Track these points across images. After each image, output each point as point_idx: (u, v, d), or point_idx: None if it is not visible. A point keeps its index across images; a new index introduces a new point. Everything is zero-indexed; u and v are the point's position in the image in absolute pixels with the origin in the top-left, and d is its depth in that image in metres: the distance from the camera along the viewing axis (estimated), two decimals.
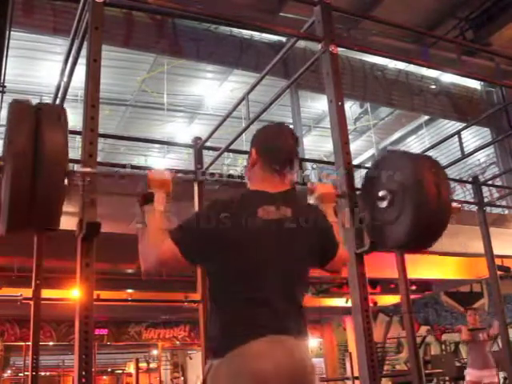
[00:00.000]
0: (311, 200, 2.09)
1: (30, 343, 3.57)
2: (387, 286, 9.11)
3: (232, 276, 1.59)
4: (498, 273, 5.20)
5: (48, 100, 8.33)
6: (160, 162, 11.05)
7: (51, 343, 12.00)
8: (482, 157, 10.06)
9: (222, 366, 1.51)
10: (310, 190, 2.12)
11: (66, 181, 1.84)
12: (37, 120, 1.76)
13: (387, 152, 2.88)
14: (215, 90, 9.84)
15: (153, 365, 15.14)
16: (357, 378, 8.71)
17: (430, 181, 2.29)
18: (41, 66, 8.47)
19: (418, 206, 2.28)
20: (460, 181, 8.87)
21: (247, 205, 1.66)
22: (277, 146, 1.77)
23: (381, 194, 2.44)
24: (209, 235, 1.59)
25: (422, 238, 2.38)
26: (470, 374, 6.39)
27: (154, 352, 14.99)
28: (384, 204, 2.42)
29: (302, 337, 1.61)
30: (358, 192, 2.61)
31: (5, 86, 5.95)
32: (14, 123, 1.76)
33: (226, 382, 1.49)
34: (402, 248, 2.52)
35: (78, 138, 1.91)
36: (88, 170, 2.02)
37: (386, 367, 12.14)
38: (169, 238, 1.60)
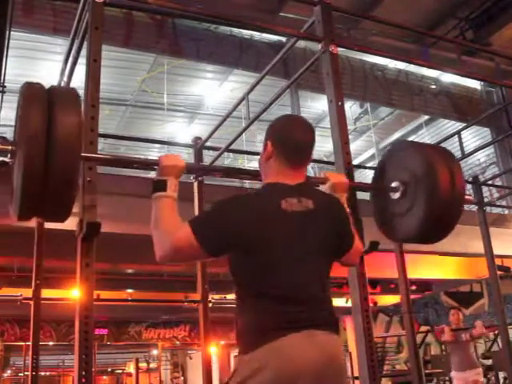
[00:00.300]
0: (324, 190, 2.06)
1: (30, 343, 3.57)
2: (387, 286, 9.10)
3: (259, 270, 1.56)
4: (498, 273, 5.20)
5: None
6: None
7: (51, 343, 12.00)
8: (481, 157, 10.05)
9: (252, 361, 1.49)
10: (323, 179, 2.10)
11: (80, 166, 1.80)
12: (49, 103, 1.71)
13: (399, 143, 2.87)
14: (215, 89, 9.84)
15: (153, 365, 15.15)
16: (357, 377, 8.71)
17: (444, 171, 2.26)
18: (41, 66, 8.46)
19: (431, 196, 2.25)
20: None
21: (269, 198, 1.64)
22: (294, 140, 1.72)
23: (393, 184, 2.41)
24: (230, 228, 1.56)
25: (435, 230, 2.36)
26: (455, 377, 6.16)
27: (154, 352, 14.99)
28: (397, 195, 2.40)
29: (335, 331, 1.59)
30: (369, 183, 2.60)
31: (5, 86, 5.95)
32: (25, 106, 1.71)
33: (255, 377, 1.47)
34: (413, 240, 2.47)
35: None
36: (102, 156, 2.01)
37: (385, 367, 12.14)
38: (186, 226, 1.57)
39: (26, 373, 5.58)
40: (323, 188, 2.07)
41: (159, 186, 1.73)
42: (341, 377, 1.57)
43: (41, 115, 1.66)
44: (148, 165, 1.92)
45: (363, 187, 2.79)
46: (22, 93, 1.77)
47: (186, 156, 10.01)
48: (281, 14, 8.27)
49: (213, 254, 1.61)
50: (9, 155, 1.76)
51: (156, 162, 1.81)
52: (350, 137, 2.35)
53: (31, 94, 1.74)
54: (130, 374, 16.16)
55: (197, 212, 3.77)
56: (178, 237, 1.58)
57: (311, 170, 11.76)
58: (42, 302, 3.65)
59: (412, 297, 4.42)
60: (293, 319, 1.51)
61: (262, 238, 1.57)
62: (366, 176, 11.39)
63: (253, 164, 10.96)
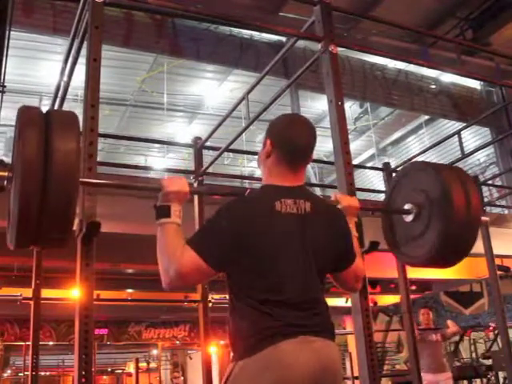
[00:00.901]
0: None
1: (29, 343, 3.57)
2: (387, 286, 9.10)
3: (254, 275, 1.54)
4: (498, 273, 5.19)
5: (48, 100, 8.33)
6: (160, 162, 11.05)
7: (51, 343, 12.00)
8: (481, 157, 10.06)
9: (248, 367, 1.47)
10: (334, 202, 2.04)
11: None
12: (46, 127, 1.66)
13: (413, 163, 2.81)
14: (215, 89, 9.84)
15: (153, 365, 15.13)
16: (357, 377, 8.71)
17: (460, 194, 2.17)
18: (41, 66, 8.47)
19: (446, 220, 2.17)
20: None
21: (263, 201, 1.61)
22: (294, 142, 1.68)
23: (406, 207, 2.34)
24: (231, 240, 1.53)
25: (449, 255, 2.28)
26: (425, 379, 5.71)
27: (154, 352, 14.98)
28: (410, 218, 2.33)
29: (331, 337, 1.58)
30: (381, 205, 2.52)
31: (5, 86, 5.95)
32: (22, 131, 1.66)
33: (252, 383, 1.46)
34: (426, 265, 2.40)
35: None
36: (101, 181, 1.98)
37: (385, 367, 12.14)
38: (188, 249, 1.53)
39: (26, 373, 5.58)
40: None
41: (163, 211, 1.68)
42: (336, 380, 1.55)
43: (37, 141, 1.62)
44: (151, 190, 1.83)
45: (375, 209, 2.74)
46: (19, 117, 1.72)
47: (186, 156, 10.02)
48: (281, 13, 8.27)
49: (219, 269, 1.57)
50: (5, 181, 1.73)
51: (159, 187, 1.74)
52: (350, 137, 2.35)
53: (28, 118, 1.70)
54: (129, 374, 16.15)
55: (197, 212, 3.77)
56: (182, 263, 1.53)
57: (311, 170, 11.76)
58: (42, 301, 3.65)
59: (412, 297, 4.42)
60: (289, 325, 1.50)
61: (258, 244, 1.54)
62: (366, 176, 11.40)
63: (253, 164, 10.97)
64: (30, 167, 1.59)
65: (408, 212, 2.34)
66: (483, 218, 2.37)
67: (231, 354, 1.57)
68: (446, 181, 2.22)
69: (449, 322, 6.22)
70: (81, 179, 1.82)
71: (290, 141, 1.69)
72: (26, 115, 1.71)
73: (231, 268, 1.58)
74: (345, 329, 12.49)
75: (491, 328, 8.94)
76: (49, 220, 1.64)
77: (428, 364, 5.73)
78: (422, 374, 5.69)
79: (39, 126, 1.66)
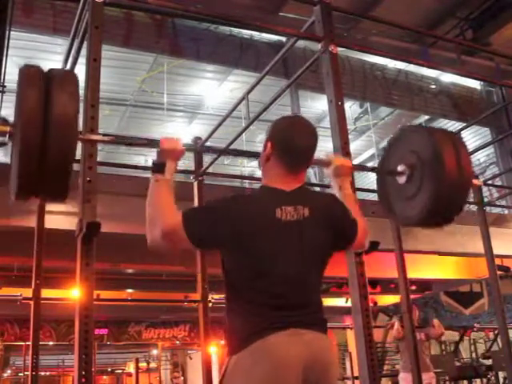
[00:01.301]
0: (327, 173, 2.05)
1: (29, 343, 3.57)
2: (387, 286, 9.10)
3: (250, 274, 1.58)
4: (498, 273, 5.20)
5: None
6: None
7: (51, 343, 12.00)
8: (482, 157, 10.06)
9: (241, 360, 1.51)
10: (327, 162, 2.05)
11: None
12: (46, 84, 1.72)
13: (406, 127, 2.84)
14: (215, 90, 9.83)
15: (153, 365, 15.14)
16: (357, 377, 8.71)
17: (451, 154, 2.22)
18: (41, 66, 8.46)
19: (438, 179, 2.22)
20: None
21: (264, 204, 1.63)
22: (294, 145, 1.68)
23: (400, 168, 2.38)
24: (223, 227, 1.56)
25: (442, 213, 2.32)
26: (404, 378, 5.47)
27: (154, 352, 14.99)
28: (403, 179, 2.37)
29: (323, 330, 1.61)
30: (374, 166, 2.56)
31: (5, 86, 5.95)
32: (23, 88, 1.71)
33: (245, 375, 1.49)
34: (421, 224, 2.45)
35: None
36: (99, 137, 2.01)
37: (385, 367, 12.14)
38: (179, 216, 1.57)
39: (26, 373, 5.58)
40: (327, 171, 2.05)
41: (158, 168, 1.74)
42: (329, 372, 1.58)
43: (38, 96, 1.67)
44: (147, 146, 1.95)
45: (368, 170, 2.77)
46: (20, 75, 1.77)
47: (186, 156, 10.06)
48: (281, 13, 8.27)
49: (198, 248, 1.66)
50: (7, 136, 1.76)
51: (155, 143, 1.82)
52: (350, 137, 2.35)
53: (29, 75, 1.75)
54: (129, 374, 16.16)
55: None
56: (168, 223, 1.58)
57: (311, 170, 11.76)
58: (42, 301, 3.65)
59: (412, 297, 4.42)
60: (279, 319, 1.53)
61: (253, 242, 1.57)
62: (366, 176, 11.40)
63: (253, 164, 10.97)
64: (30, 118, 1.65)
65: (401, 173, 2.38)
66: (475, 182, 2.38)
67: (226, 350, 1.60)
68: (438, 142, 2.27)
69: (435, 322, 5.92)
70: (80, 136, 1.86)
71: (291, 143, 1.68)
72: (26, 72, 1.77)
73: (222, 254, 1.63)
74: (345, 329, 12.50)
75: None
76: (49, 170, 1.68)
77: (408, 363, 5.31)
78: (400, 374, 5.57)
79: (39, 82, 1.72)
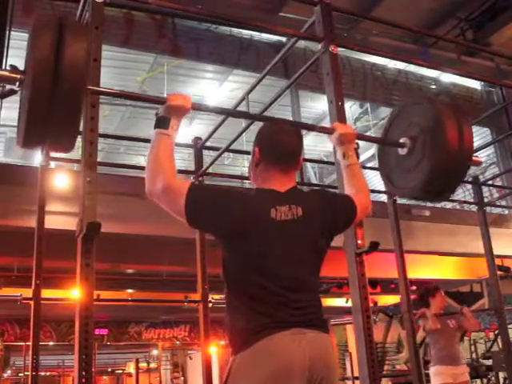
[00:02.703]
0: (331, 141, 2.10)
1: (30, 343, 3.56)
2: (387, 286, 9.10)
3: (250, 272, 1.59)
4: (498, 273, 5.20)
5: None
6: None
7: (51, 343, 12.00)
8: (482, 157, 10.02)
9: (246, 360, 1.52)
10: (331, 129, 2.10)
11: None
12: (59, 31, 1.71)
13: (410, 100, 2.89)
14: (215, 89, 9.84)
15: (153, 365, 15.14)
16: (357, 378, 8.71)
17: (453, 125, 2.24)
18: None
19: (439, 149, 2.24)
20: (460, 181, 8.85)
21: (260, 203, 1.66)
22: (280, 145, 1.75)
23: (401, 140, 2.41)
24: (222, 218, 1.60)
25: (442, 184, 2.34)
26: (443, 372, 4.71)
27: (154, 352, 14.99)
28: (404, 151, 2.39)
29: (325, 330, 1.62)
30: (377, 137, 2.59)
31: (5, 86, 5.95)
32: (35, 34, 1.71)
33: (250, 375, 1.50)
34: (419, 195, 2.48)
35: (78, 138, 1.90)
36: (108, 89, 2.03)
37: (386, 367, 12.14)
38: (185, 187, 1.59)
39: (26, 373, 5.59)
40: (331, 138, 2.10)
41: (162, 122, 1.75)
42: (331, 371, 1.60)
43: (50, 41, 1.67)
44: (154, 101, 1.93)
45: (370, 140, 2.80)
46: (33, 21, 1.76)
47: (186, 156, 10.03)
48: (281, 14, 8.26)
49: (188, 223, 1.64)
50: (17, 83, 1.76)
51: (163, 99, 1.82)
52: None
53: (42, 22, 1.74)
54: (130, 374, 16.17)
55: None
56: (171, 184, 1.60)
57: (311, 170, 11.77)
58: (42, 302, 3.64)
59: (412, 297, 4.42)
60: (281, 318, 1.55)
61: (250, 240, 1.59)
62: (367, 176, 11.40)
63: None
64: (42, 63, 1.64)
65: (402, 145, 2.40)
66: (475, 159, 2.41)
67: (230, 350, 1.61)
68: (439, 113, 2.30)
69: (465, 310, 4.99)
70: (88, 86, 1.86)
71: (278, 145, 1.75)
72: (40, 19, 1.76)
73: (223, 259, 1.65)
74: (345, 329, 12.51)
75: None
76: (57, 117, 1.68)
77: (446, 355, 4.76)
78: (436, 367, 4.74)
79: (52, 29, 1.70)
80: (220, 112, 2.55)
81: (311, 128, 2.75)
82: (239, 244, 1.60)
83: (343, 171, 2.06)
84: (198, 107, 2.08)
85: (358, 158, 2.07)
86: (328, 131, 2.13)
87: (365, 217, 2.01)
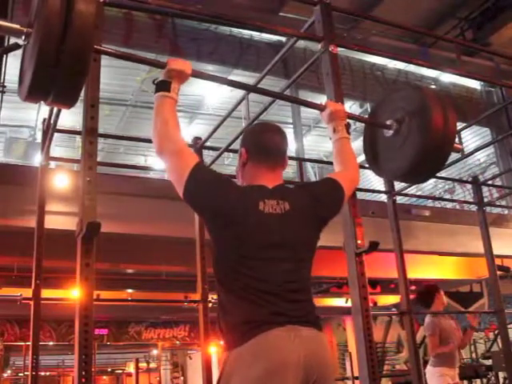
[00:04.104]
0: (323, 118, 2.22)
1: (30, 343, 3.56)
2: (387, 286, 9.10)
3: (240, 267, 1.61)
4: (498, 273, 5.20)
5: None
6: (160, 162, 11.05)
7: (51, 343, 12.00)
8: (482, 157, 10.05)
9: (241, 356, 1.52)
10: (322, 106, 2.22)
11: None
12: None
13: (396, 86, 3.04)
14: (215, 90, 9.84)
15: (153, 365, 15.15)
16: (357, 378, 8.71)
17: (438, 107, 2.34)
18: None
19: (424, 132, 2.33)
20: (460, 181, 8.87)
21: (250, 195, 1.69)
22: (266, 143, 1.81)
23: (388, 122, 2.49)
24: (216, 199, 1.64)
25: (425, 167, 2.44)
26: (446, 374, 4.66)
27: (154, 352, 14.99)
28: (390, 133, 2.48)
29: (317, 327, 1.63)
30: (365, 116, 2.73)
31: (5, 86, 5.96)
32: None
33: (245, 371, 1.50)
34: (403, 176, 2.59)
35: (78, 138, 1.90)
36: (111, 49, 2.05)
37: (386, 367, 12.14)
38: (195, 160, 1.67)
39: (26, 373, 5.59)
40: (322, 115, 2.22)
41: (163, 86, 1.81)
42: (327, 368, 1.60)
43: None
44: (156, 65, 2.00)
45: (359, 119, 2.94)
46: None
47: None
48: (281, 13, 8.27)
49: (183, 198, 1.69)
50: (23, 37, 1.77)
51: (165, 64, 1.87)
52: (350, 137, 2.36)
53: None
54: (129, 374, 16.17)
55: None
56: (184, 154, 1.70)
57: (311, 170, 11.77)
58: (42, 302, 3.64)
59: (412, 297, 4.42)
60: (276, 313, 1.56)
61: (239, 229, 1.62)
62: (366, 176, 11.40)
63: None
64: (52, 17, 1.62)
65: (389, 127, 2.49)
66: (456, 145, 2.49)
67: (223, 346, 1.61)
68: (425, 97, 2.41)
69: (469, 333, 5.07)
70: (94, 46, 1.87)
71: (264, 144, 1.81)
72: None
73: (213, 255, 1.68)
74: (345, 329, 12.50)
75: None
76: (65, 67, 1.67)
77: (451, 357, 4.75)
78: (440, 369, 4.62)
79: None
80: (220, 81, 2.61)
81: (304, 103, 2.79)
82: (228, 232, 1.63)
83: (333, 146, 2.17)
84: (200, 74, 2.10)
85: (348, 133, 2.20)
86: (320, 108, 2.24)
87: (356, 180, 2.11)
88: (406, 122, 2.42)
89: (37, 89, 1.72)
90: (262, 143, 1.81)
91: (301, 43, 5.24)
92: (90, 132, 2.09)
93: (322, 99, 2.41)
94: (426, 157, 2.37)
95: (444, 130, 2.33)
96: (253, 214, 1.64)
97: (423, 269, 8.30)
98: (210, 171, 1.75)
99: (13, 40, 1.86)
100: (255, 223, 1.63)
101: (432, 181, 9.73)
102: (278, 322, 1.54)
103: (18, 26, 1.76)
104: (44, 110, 8.75)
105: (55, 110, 3.27)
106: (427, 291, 5.26)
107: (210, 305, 3.80)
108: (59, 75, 1.67)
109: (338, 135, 2.15)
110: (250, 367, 1.49)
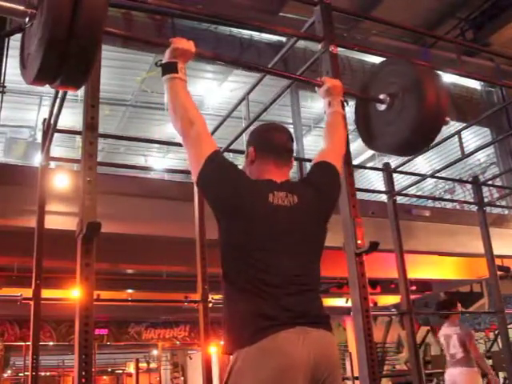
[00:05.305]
0: (320, 93, 2.26)
1: (30, 343, 3.56)
2: (387, 286, 9.10)
3: (248, 263, 1.59)
4: (498, 273, 5.20)
5: (48, 100, 8.32)
6: (160, 162, 11.05)
7: (51, 343, 11.99)
8: (482, 157, 10.05)
9: (251, 356, 1.51)
10: (320, 83, 2.28)
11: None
12: None
13: (387, 59, 3.02)
14: (215, 89, 9.84)
15: (153, 365, 15.14)
16: (357, 378, 8.71)
17: (430, 83, 2.43)
18: None
19: (417, 106, 2.40)
20: (460, 181, 8.87)
21: (259, 187, 1.70)
22: (273, 141, 1.82)
23: (381, 96, 2.54)
24: (227, 189, 1.64)
25: (418, 139, 2.52)
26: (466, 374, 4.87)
27: (154, 352, 14.99)
28: (383, 107, 2.54)
29: (327, 328, 1.63)
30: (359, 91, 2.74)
31: (5, 86, 5.96)
32: None
33: (255, 372, 1.49)
34: (396, 149, 2.66)
35: (78, 138, 1.89)
36: (118, 31, 2.06)
37: (385, 367, 12.14)
38: (212, 148, 1.69)
39: (26, 373, 5.59)
40: (320, 91, 2.27)
41: (170, 67, 1.81)
42: (335, 369, 1.60)
43: None
44: (159, 44, 1.99)
45: (353, 94, 2.93)
46: None
47: (186, 156, 10.07)
48: (281, 14, 8.26)
49: (196, 184, 1.73)
50: (27, 19, 1.73)
51: (167, 42, 1.86)
52: (350, 137, 2.36)
53: None
54: (130, 374, 16.18)
55: (197, 212, 3.75)
56: (205, 139, 1.72)
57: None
58: (42, 302, 3.64)
59: (412, 297, 4.42)
60: (282, 310, 1.54)
61: (249, 220, 1.62)
62: (367, 176, 11.41)
63: None
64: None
65: (382, 101, 2.54)
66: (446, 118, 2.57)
67: (227, 343, 1.59)
68: (418, 71, 2.50)
69: (491, 376, 5.28)
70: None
71: (272, 141, 1.83)
72: None
73: (221, 252, 1.66)
74: (345, 329, 12.50)
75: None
76: (74, 51, 1.65)
77: (469, 357, 4.97)
78: (462, 369, 4.87)
79: None
80: (224, 60, 2.65)
81: (300, 79, 2.82)
82: (237, 222, 1.62)
83: (326, 119, 2.18)
84: (203, 53, 2.11)
85: (343, 109, 2.23)
86: (317, 83, 2.30)
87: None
88: (399, 96, 2.48)
89: (46, 68, 1.69)
90: (270, 141, 1.83)
91: (301, 43, 5.24)
92: (90, 132, 2.09)
93: (321, 99, 2.41)
94: (421, 129, 2.45)
95: (438, 102, 2.41)
96: (262, 205, 1.64)
97: (423, 269, 8.30)
98: (223, 161, 1.73)
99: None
100: (264, 214, 1.64)
101: (432, 181, 9.73)
102: (288, 322, 1.52)
103: (21, 8, 1.73)
104: (44, 110, 8.75)
105: (55, 110, 3.27)
106: (448, 303, 5.35)
107: (210, 305, 3.80)
108: (71, 51, 1.64)
109: (332, 109, 2.18)
110: (260, 369, 1.48)
